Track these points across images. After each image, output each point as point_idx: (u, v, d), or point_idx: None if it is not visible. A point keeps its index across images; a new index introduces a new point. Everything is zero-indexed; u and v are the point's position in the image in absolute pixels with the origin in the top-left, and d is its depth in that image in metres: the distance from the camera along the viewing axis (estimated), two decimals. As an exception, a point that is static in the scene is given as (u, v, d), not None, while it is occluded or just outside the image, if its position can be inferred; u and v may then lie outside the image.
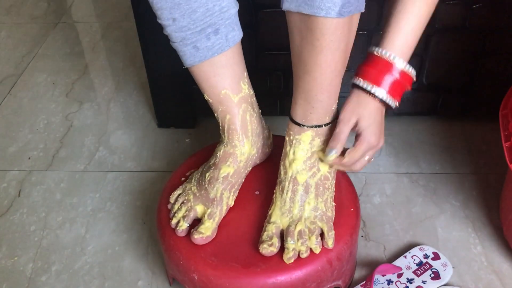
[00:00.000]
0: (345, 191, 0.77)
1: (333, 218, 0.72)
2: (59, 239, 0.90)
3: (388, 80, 0.65)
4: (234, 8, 0.67)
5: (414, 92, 1.02)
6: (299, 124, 0.69)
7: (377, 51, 0.65)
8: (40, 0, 1.65)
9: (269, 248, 0.67)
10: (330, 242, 0.69)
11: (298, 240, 0.68)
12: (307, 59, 0.63)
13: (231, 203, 0.74)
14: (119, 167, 1.04)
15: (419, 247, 0.85)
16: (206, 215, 0.71)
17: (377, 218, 0.91)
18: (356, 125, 0.67)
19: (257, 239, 0.70)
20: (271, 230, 0.69)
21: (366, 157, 0.69)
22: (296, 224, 0.69)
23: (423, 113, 1.07)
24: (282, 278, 0.67)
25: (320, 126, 0.69)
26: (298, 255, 0.68)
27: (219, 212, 0.72)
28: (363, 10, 0.62)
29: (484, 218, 0.90)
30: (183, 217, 0.72)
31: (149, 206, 0.95)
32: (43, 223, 0.93)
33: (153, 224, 0.92)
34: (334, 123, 0.69)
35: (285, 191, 0.71)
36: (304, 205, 0.70)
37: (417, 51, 0.95)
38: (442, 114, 1.06)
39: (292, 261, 0.67)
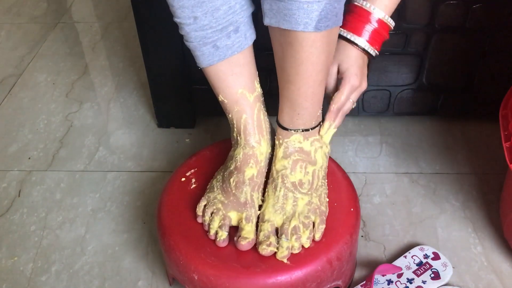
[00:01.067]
0: (345, 191, 0.77)
1: (327, 214, 0.73)
2: (59, 239, 0.90)
3: (367, 29, 0.70)
4: (251, 7, 0.68)
5: (414, 92, 1.02)
6: (286, 129, 0.71)
7: (358, 2, 0.71)
8: (40, 0, 1.65)
9: (268, 248, 0.68)
10: (317, 235, 0.70)
11: (292, 236, 0.68)
12: (289, 70, 0.65)
13: (261, 202, 0.74)
14: (119, 167, 1.04)
15: (419, 247, 0.85)
16: (243, 220, 0.71)
17: (377, 218, 0.91)
18: (339, 73, 0.72)
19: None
20: (267, 229, 0.69)
21: (351, 99, 0.73)
22: (290, 221, 0.69)
23: (423, 113, 1.07)
24: (282, 278, 0.67)
25: (307, 130, 0.72)
26: (292, 252, 0.68)
27: (254, 214, 0.72)
28: (341, 24, 0.64)
29: (484, 218, 0.90)
30: (220, 226, 0.71)
31: (149, 206, 0.95)
32: (43, 223, 0.93)
33: (153, 224, 0.92)
34: (320, 125, 0.73)
35: (278, 189, 0.71)
36: (297, 201, 0.71)
37: (417, 51, 0.95)
38: (442, 114, 1.06)
39: (285, 260, 0.67)
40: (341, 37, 0.71)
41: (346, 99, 0.72)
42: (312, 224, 0.70)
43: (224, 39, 0.67)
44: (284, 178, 0.71)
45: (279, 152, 0.72)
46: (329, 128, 0.74)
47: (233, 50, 0.68)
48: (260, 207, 0.73)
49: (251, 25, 0.70)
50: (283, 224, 0.70)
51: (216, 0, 0.63)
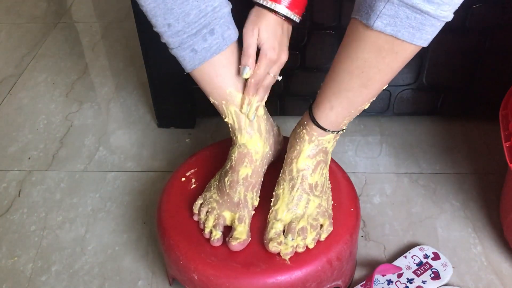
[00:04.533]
0: (345, 191, 0.77)
1: (332, 216, 0.73)
2: (59, 239, 0.90)
3: None
4: (226, 7, 0.67)
5: (414, 92, 1.02)
6: (324, 129, 0.70)
7: None
8: (40, 0, 1.65)
9: (279, 247, 0.68)
10: (323, 236, 0.70)
11: (298, 236, 0.68)
12: (373, 75, 0.62)
13: (256, 203, 0.74)
14: (119, 167, 1.04)
15: (419, 247, 0.85)
16: (236, 220, 0.71)
17: (377, 218, 0.91)
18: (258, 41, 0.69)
19: (257, 239, 0.71)
20: (279, 228, 0.70)
21: (272, 74, 0.71)
22: (298, 221, 0.70)
23: (423, 113, 1.07)
24: (282, 278, 0.67)
25: (343, 130, 0.72)
26: (296, 250, 0.69)
27: (247, 214, 0.72)
28: None
29: (484, 218, 0.90)
30: (214, 226, 0.71)
31: (149, 206, 0.95)
32: (43, 223, 0.93)
33: (153, 224, 0.92)
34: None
35: (295, 189, 0.71)
36: (309, 203, 0.71)
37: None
38: (442, 114, 1.06)
39: (288, 257, 0.68)
40: (260, 6, 0.69)
41: (264, 73, 0.70)
42: (319, 226, 0.70)
43: (200, 42, 0.67)
44: (303, 179, 0.71)
45: (306, 150, 0.71)
46: (250, 104, 0.71)
47: (211, 52, 0.68)
48: (261, 205, 0.73)
49: (229, 25, 0.68)
50: (291, 222, 0.70)
51: (185, 6, 0.63)
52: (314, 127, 0.70)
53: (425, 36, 0.58)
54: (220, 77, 0.70)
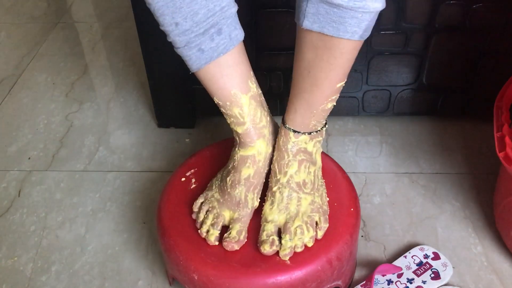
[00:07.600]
0: (345, 191, 0.77)
1: (328, 213, 0.73)
2: (59, 239, 0.91)
3: None
4: (234, 8, 0.67)
5: (414, 92, 1.02)
6: (296, 132, 0.71)
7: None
8: (40, 0, 1.65)
9: (271, 249, 0.68)
10: (320, 233, 0.70)
11: (295, 236, 0.68)
12: (318, 74, 0.65)
13: (256, 204, 0.73)
14: (119, 167, 1.04)
15: (419, 247, 0.85)
16: (234, 220, 0.71)
17: (377, 218, 0.91)
18: None
19: (257, 239, 0.71)
20: (270, 229, 0.70)
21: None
22: (293, 220, 0.70)
23: (423, 113, 1.07)
24: (282, 278, 0.67)
25: (317, 131, 0.72)
26: (294, 250, 0.69)
27: (246, 214, 0.72)
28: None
29: (484, 218, 0.90)
30: (212, 224, 0.71)
31: (149, 206, 0.95)
32: (43, 223, 0.93)
33: (153, 224, 0.92)
34: (325, 126, 0.74)
35: (282, 189, 0.71)
36: (301, 201, 0.71)
37: (417, 51, 0.95)
38: (442, 114, 1.06)
39: (287, 258, 0.68)
40: None
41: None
42: (315, 223, 0.71)
43: (208, 42, 0.67)
44: (289, 178, 0.71)
45: (285, 154, 0.72)
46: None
47: (218, 52, 0.68)
48: (262, 206, 0.73)
49: (236, 26, 0.69)
50: (286, 223, 0.70)
51: (194, 5, 0.63)
52: (286, 130, 0.72)
53: (350, 28, 0.59)
54: (225, 77, 0.70)
